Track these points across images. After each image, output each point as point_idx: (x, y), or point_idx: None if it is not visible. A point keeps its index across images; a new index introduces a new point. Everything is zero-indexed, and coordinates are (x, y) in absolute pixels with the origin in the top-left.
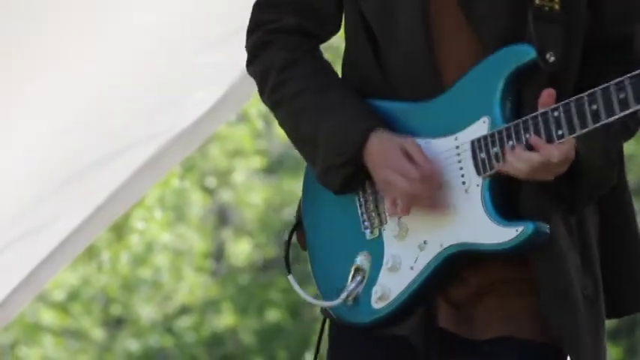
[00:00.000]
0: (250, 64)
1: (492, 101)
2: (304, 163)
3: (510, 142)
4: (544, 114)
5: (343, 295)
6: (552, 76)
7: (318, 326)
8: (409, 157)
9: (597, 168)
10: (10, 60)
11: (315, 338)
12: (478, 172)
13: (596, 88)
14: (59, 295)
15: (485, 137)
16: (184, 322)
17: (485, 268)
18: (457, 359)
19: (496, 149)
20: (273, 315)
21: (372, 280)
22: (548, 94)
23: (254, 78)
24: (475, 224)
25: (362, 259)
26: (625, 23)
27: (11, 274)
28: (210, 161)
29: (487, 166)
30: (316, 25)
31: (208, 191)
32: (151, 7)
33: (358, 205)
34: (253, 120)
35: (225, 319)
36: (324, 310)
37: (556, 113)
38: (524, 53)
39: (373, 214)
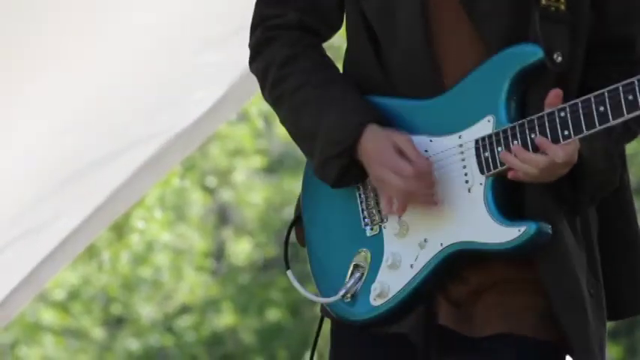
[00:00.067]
0: (253, 61)
1: (498, 100)
2: (305, 163)
3: (515, 142)
4: (550, 114)
5: (342, 292)
6: (558, 76)
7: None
8: (402, 153)
9: (600, 170)
10: (10, 60)
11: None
12: (481, 171)
13: (603, 90)
14: (59, 295)
15: (490, 136)
16: (184, 322)
17: (487, 268)
18: (456, 356)
19: (500, 148)
20: (273, 314)
21: (371, 277)
22: (555, 95)
23: (256, 75)
24: (477, 223)
25: (361, 256)
26: (627, 23)
27: (11, 273)
28: (211, 161)
29: (491, 165)
30: (318, 22)
31: (209, 190)
32: (151, 7)
33: (359, 201)
34: (254, 119)
35: (225, 319)
36: (323, 309)
37: (562, 114)
38: (532, 53)
39: (374, 211)
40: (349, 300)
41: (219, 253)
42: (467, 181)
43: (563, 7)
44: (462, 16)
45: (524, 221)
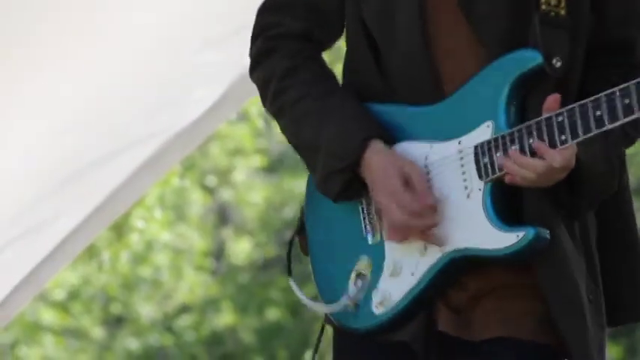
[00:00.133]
0: (253, 71)
1: (497, 106)
2: None
3: (514, 147)
4: (548, 119)
5: (344, 300)
6: (558, 81)
7: (318, 325)
8: (410, 185)
9: (598, 175)
10: (10, 60)
11: (315, 338)
12: (480, 177)
13: (600, 94)
14: (59, 295)
15: (488, 142)
16: (184, 321)
17: (485, 273)
18: None
19: (499, 154)
20: (273, 314)
21: (373, 286)
22: (553, 99)
23: (256, 85)
24: (476, 229)
25: (363, 264)
26: (627, 26)
27: (11, 273)
28: (211, 160)
29: (489, 170)
30: (319, 30)
31: (208, 190)
32: (151, 7)
33: (360, 210)
34: (253, 119)
35: (225, 318)
36: (326, 317)
37: (560, 118)
38: (531, 59)
39: (375, 219)
40: (352, 308)
41: (218, 253)
42: (466, 187)
43: (563, 12)
44: (461, 18)
45: (523, 226)
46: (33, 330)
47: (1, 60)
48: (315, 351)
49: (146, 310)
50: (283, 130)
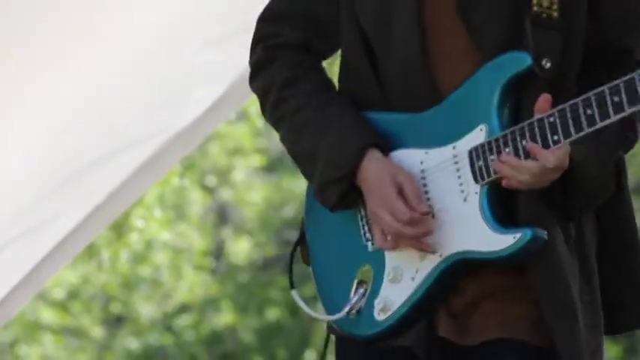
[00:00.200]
0: (253, 79)
1: (489, 109)
2: None
3: (507, 149)
4: (540, 120)
5: (346, 309)
6: (550, 82)
7: (318, 325)
8: (402, 193)
9: (592, 176)
10: (10, 60)
11: (315, 337)
12: (476, 180)
13: (590, 92)
14: (59, 294)
15: (482, 145)
16: (184, 321)
17: (482, 277)
18: None
19: (493, 157)
20: (272, 313)
21: (374, 293)
22: (544, 100)
23: (256, 94)
24: (473, 232)
25: (364, 272)
26: (625, 34)
27: (11, 272)
28: (210, 160)
29: (485, 174)
30: (319, 41)
31: (208, 190)
32: (151, 7)
33: (359, 217)
34: (253, 118)
35: (224, 318)
36: (329, 326)
37: (552, 119)
38: (520, 60)
39: (373, 226)
40: (354, 316)
41: (218, 252)
42: (462, 191)
43: (555, 14)
44: (458, 25)
45: (520, 228)
46: (33, 329)
47: (1, 60)
48: None
49: (146, 309)
50: (282, 139)
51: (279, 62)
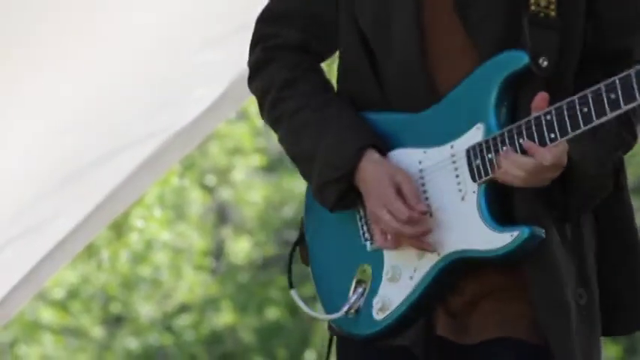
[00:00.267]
0: (252, 80)
1: (487, 108)
2: None
3: (504, 148)
4: (537, 118)
5: (345, 308)
6: (547, 81)
7: (318, 325)
8: (400, 193)
9: (590, 176)
10: (9, 59)
11: (315, 337)
12: (473, 179)
13: (586, 90)
14: (59, 294)
15: (480, 144)
16: (184, 321)
17: (481, 276)
18: None
19: (491, 155)
20: (272, 313)
21: (373, 292)
22: (541, 98)
23: (254, 94)
24: (471, 231)
25: (363, 271)
26: (624, 34)
27: (11, 272)
28: (210, 159)
29: (482, 172)
30: (318, 42)
31: (208, 189)
32: (151, 7)
33: (358, 217)
34: (253, 118)
35: (224, 318)
36: (330, 327)
37: (549, 117)
38: (517, 59)
39: (373, 226)
40: (353, 315)
41: (218, 252)
42: (460, 190)
43: (553, 13)
44: (455, 23)
45: (517, 226)
46: (32, 329)
47: (1, 60)
48: None
49: (145, 309)
50: (281, 140)
51: (278, 63)
